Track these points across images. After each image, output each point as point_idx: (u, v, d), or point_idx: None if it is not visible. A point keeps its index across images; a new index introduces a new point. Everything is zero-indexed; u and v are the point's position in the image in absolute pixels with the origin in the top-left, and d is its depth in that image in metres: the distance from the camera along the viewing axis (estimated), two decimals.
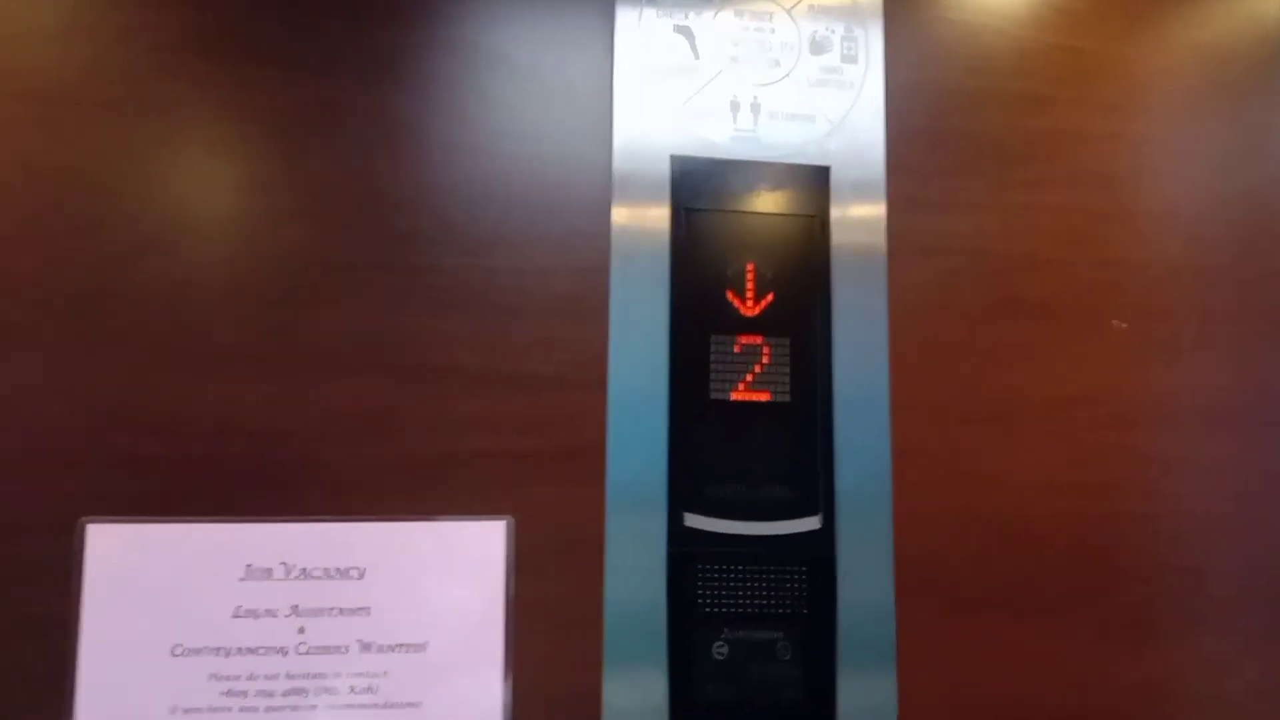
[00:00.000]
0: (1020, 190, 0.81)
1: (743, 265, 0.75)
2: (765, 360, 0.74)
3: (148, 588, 0.66)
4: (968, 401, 0.78)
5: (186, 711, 0.65)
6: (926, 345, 0.78)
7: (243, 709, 0.66)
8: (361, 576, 0.68)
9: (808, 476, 0.74)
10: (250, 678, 0.66)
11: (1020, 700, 0.75)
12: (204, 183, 0.72)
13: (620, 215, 0.75)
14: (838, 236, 0.77)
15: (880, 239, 0.78)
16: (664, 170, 0.76)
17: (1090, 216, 0.81)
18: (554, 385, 0.73)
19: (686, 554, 0.72)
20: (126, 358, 0.69)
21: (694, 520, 0.72)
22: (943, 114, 0.81)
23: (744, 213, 0.76)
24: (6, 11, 0.71)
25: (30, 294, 0.69)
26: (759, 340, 0.75)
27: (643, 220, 0.75)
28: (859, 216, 0.78)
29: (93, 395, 0.68)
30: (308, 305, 0.71)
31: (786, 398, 0.74)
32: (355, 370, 0.71)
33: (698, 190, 0.76)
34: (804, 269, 0.76)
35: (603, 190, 0.75)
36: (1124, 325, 0.80)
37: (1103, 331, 0.80)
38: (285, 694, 0.66)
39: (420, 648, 0.68)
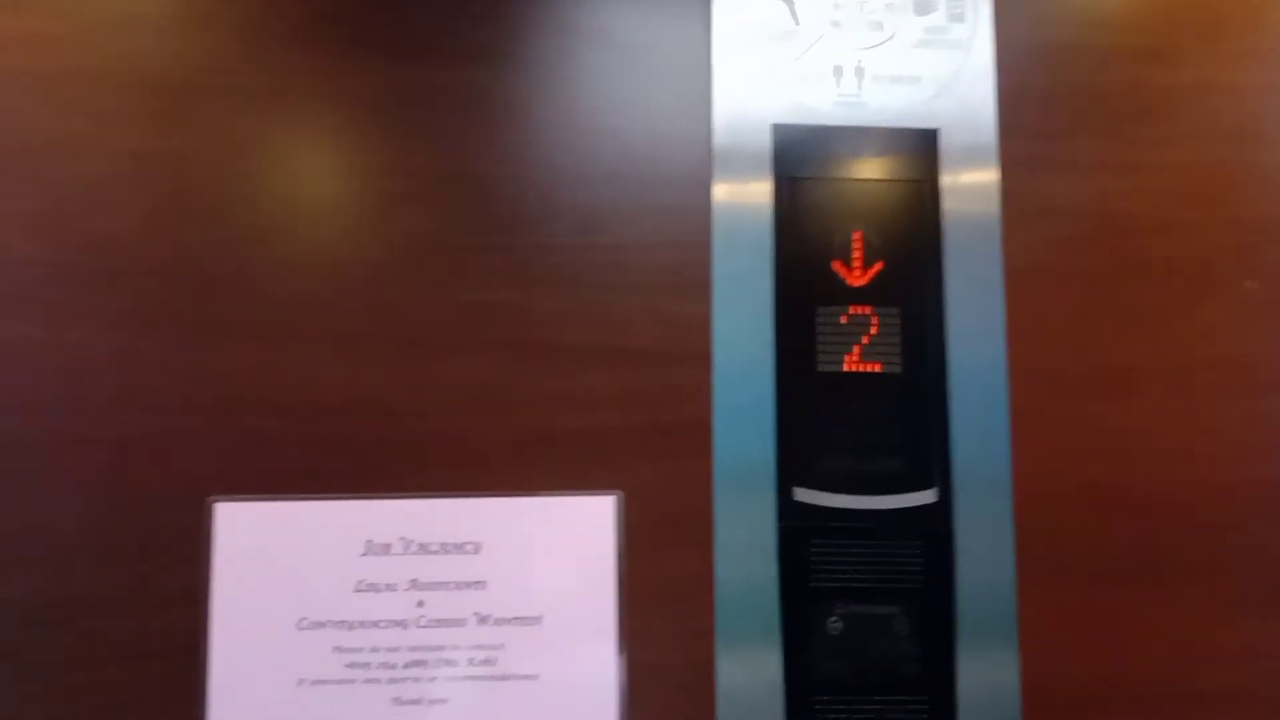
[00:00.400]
0: (1142, 148, 0.77)
1: (849, 234, 0.74)
2: (874, 331, 0.73)
3: (273, 563, 0.68)
4: (1089, 368, 0.75)
5: (313, 683, 0.67)
6: (1045, 311, 0.75)
7: (366, 680, 0.67)
8: (477, 551, 0.69)
9: (922, 449, 0.72)
10: (373, 650, 0.68)
11: (1146, 674, 0.72)
12: (315, 169, 0.74)
13: (722, 186, 0.74)
14: (948, 201, 0.75)
15: (993, 203, 0.75)
16: (765, 140, 0.74)
17: (1218, 173, 0.77)
18: (659, 360, 0.72)
19: (797, 529, 0.71)
20: (249, 341, 0.71)
21: (804, 495, 0.71)
22: (1056, 70, 0.78)
23: (849, 180, 0.74)
24: (119, 6, 0.73)
25: (156, 282, 0.71)
26: (868, 310, 0.73)
27: (745, 191, 0.74)
28: (970, 180, 0.75)
29: (219, 378, 0.71)
30: (418, 286, 0.72)
31: (898, 369, 0.73)
32: (466, 349, 0.72)
33: (801, 159, 0.74)
34: (913, 236, 0.74)
35: (704, 162, 0.74)
36: (1256, 286, 0.76)
37: (1233, 293, 0.76)
38: (406, 666, 0.68)
39: (535, 621, 0.69)
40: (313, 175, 0.74)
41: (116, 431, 0.70)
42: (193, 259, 0.72)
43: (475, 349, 0.72)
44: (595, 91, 0.75)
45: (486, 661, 0.68)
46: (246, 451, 0.70)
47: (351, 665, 0.67)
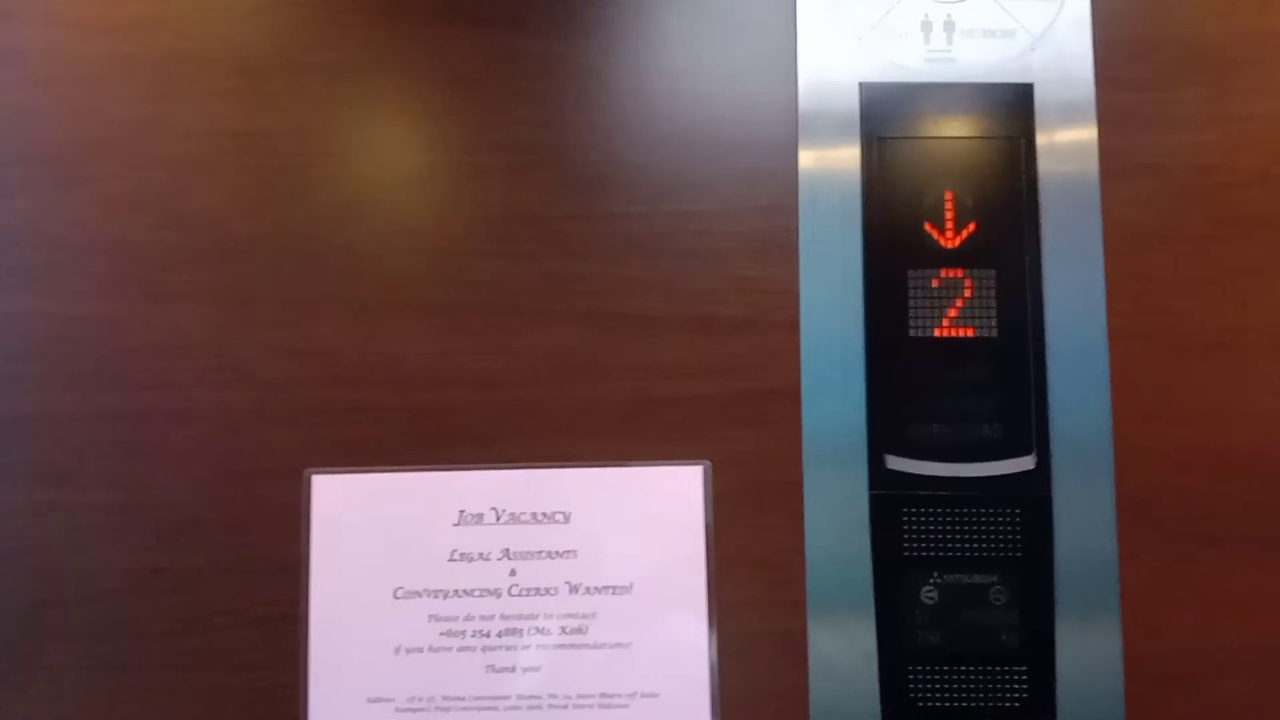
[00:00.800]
0: (1247, 98, 0.74)
1: (940, 194, 0.72)
2: (968, 294, 0.71)
3: (369, 533, 0.69)
4: (1192, 328, 0.72)
5: (409, 651, 0.68)
6: (1145, 270, 0.72)
7: (461, 648, 0.68)
8: (567, 520, 0.69)
9: (1019, 415, 0.70)
10: (467, 618, 0.68)
11: (1252, 642, 0.70)
12: (401, 143, 0.75)
13: (808, 148, 0.73)
14: (1044, 157, 0.72)
15: (1091, 158, 0.73)
16: (852, 100, 0.73)
17: None
18: (745, 328, 0.72)
19: (890, 497, 0.70)
20: (342, 315, 0.72)
21: (897, 463, 0.70)
22: (1155, 20, 0.75)
23: (940, 139, 0.72)
24: None
25: (250, 258, 0.73)
26: (960, 273, 0.71)
27: (832, 152, 0.73)
28: (1067, 135, 0.73)
29: (313, 352, 0.72)
30: (506, 256, 0.72)
31: (993, 333, 0.71)
32: (552, 320, 0.72)
33: (889, 118, 0.73)
34: (1008, 195, 0.72)
35: (789, 124, 0.73)
36: None
37: None
38: (500, 634, 0.68)
39: (626, 590, 0.69)
40: (399, 149, 0.75)
41: (214, 406, 0.71)
42: (285, 234, 0.73)
43: (561, 320, 0.72)
44: (677, 56, 0.74)
45: (578, 630, 0.69)
46: (341, 424, 0.71)
47: (447, 633, 0.68)
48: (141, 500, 0.71)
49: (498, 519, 0.69)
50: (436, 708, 0.68)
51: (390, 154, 0.75)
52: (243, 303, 0.72)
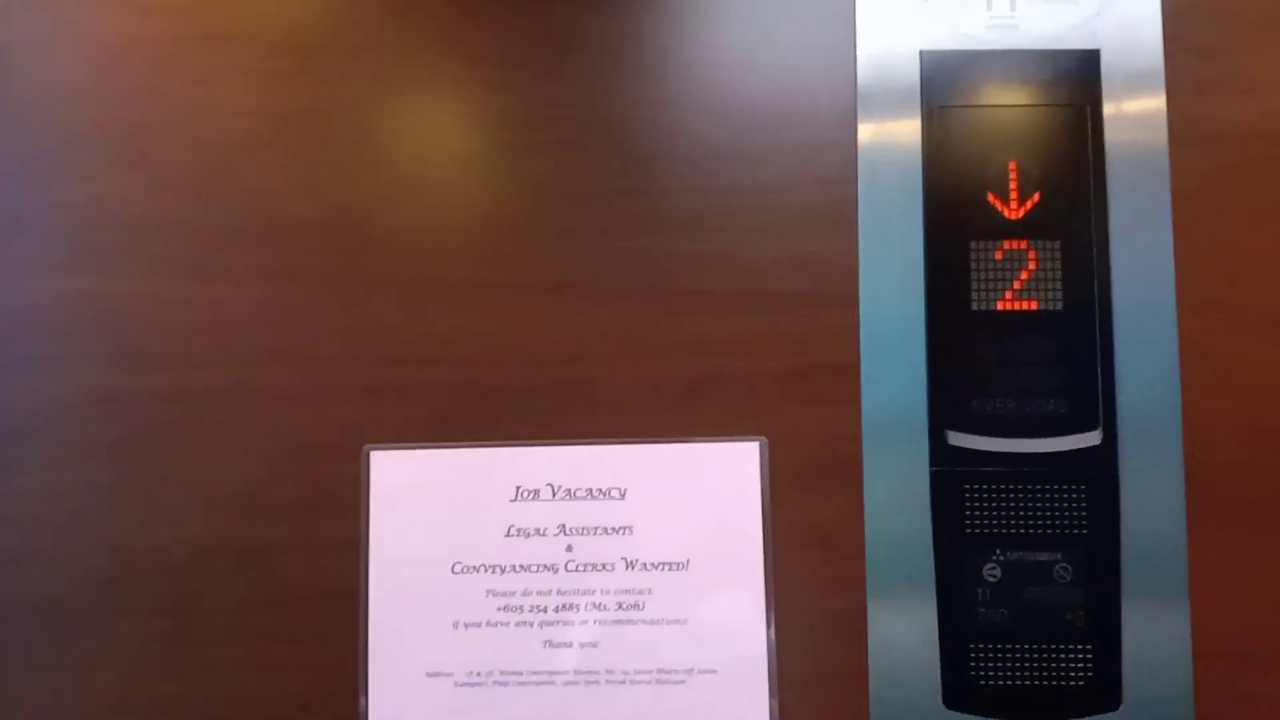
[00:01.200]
0: None
1: (1004, 164, 0.70)
2: (1032, 266, 0.69)
3: (427, 509, 0.69)
4: (1264, 301, 0.70)
5: (468, 626, 0.68)
6: (1216, 241, 0.70)
7: (518, 623, 0.68)
8: (623, 496, 0.69)
9: (1085, 389, 0.68)
10: (524, 594, 0.68)
11: None
12: (453, 121, 0.74)
13: (867, 118, 0.71)
14: (1110, 125, 0.70)
15: (1159, 126, 0.70)
16: (913, 68, 0.71)
17: None
18: (804, 302, 0.70)
19: (951, 473, 0.68)
20: (398, 292, 0.72)
21: (959, 439, 0.69)
22: None
23: (1003, 107, 0.71)
24: None
25: (305, 237, 0.73)
26: (1024, 245, 0.69)
27: (892, 122, 0.71)
28: (1134, 103, 0.70)
29: (370, 329, 0.72)
30: (559, 234, 0.72)
31: (1058, 305, 0.69)
32: (608, 296, 0.71)
33: (951, 86, 0.71)
34: (1073, 164, 0.70)
35: (848, 95, 0.72)
36: None
37: None
38: (557, 609, 0.68)
39: (682, 566, 0.69)
40: (453, 128, 0.75)
41: (272, 385, 0.72)
42: (339, 213, 0.73)
43: (617, 296, 0.71)
44: (734, 29, 0.73)
45: (635, 606, 0.68)
46: (399, 400, 0.71)
47: (505, 609, 0.68)
48: (203, 479, 0.71)
49: (554, 495, 0.69)
50: (494, 682, 0.68)
51: (445, 132, 0.74)
52: (299, 282, 0.72)
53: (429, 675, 0.68)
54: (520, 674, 0.68)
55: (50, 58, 0.75)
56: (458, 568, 0.69)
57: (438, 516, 0.69)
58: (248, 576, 0.71)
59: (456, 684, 0.68)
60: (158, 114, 0.74)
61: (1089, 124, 0.70)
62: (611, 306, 0.71)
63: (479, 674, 0.68)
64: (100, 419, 0.72)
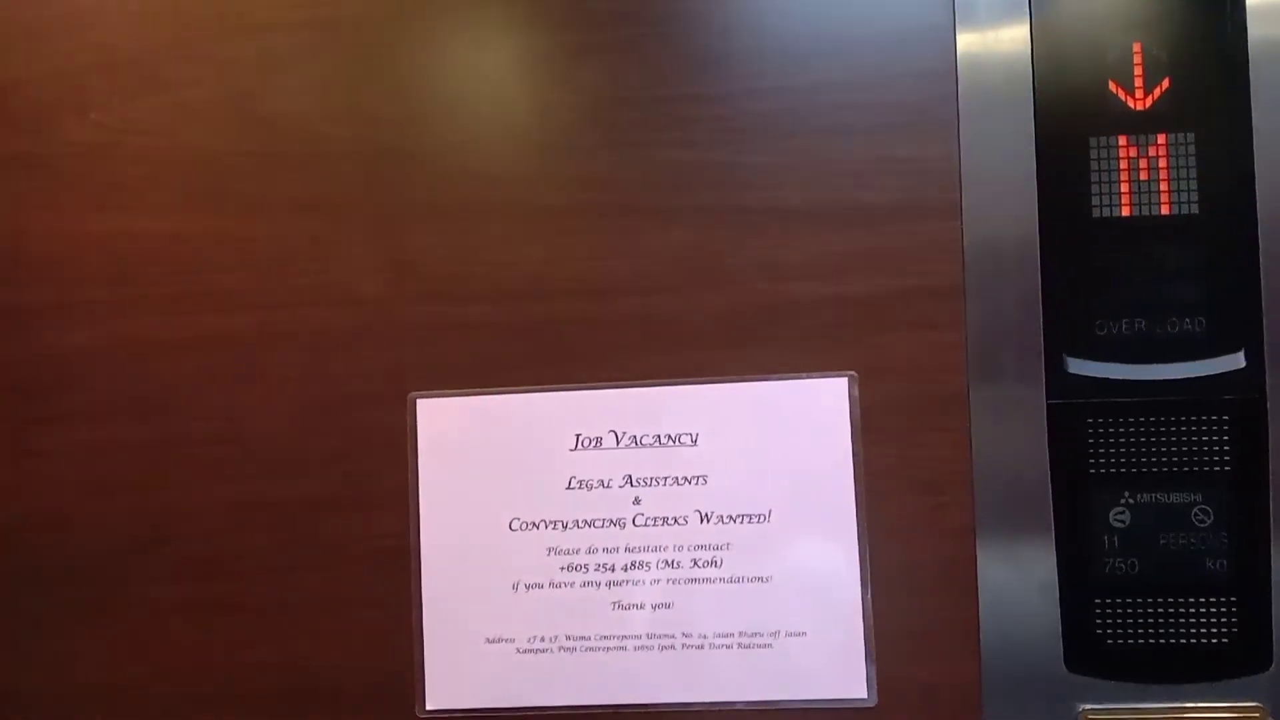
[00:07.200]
0: None
1: (1127, 46, 0.62)
2: (1162, 165, 0.62)
3: (480, 460, 0.65)
4: None
5: (529, 588, 0.64)
6: None
7: (584, 584, 0.64)
8: (695, 443, 0.63)
9: (1226, 306, 0.61)
10: (589, 551, 0.64)
11: None
12: (498, 21, 0.67)
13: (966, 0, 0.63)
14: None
15: None
16: None
17: None
18: (896, 215, 0.63)
19: (1072, 406, 0.62)
20: (441, 221, 0.66)
21: (1079, 366, 0.61)
22: None
23: None
24: None
25: (341, 164, 0.67)
26: (1153, 139, 0.61)
27: (995, 6, 0.63)
28: None
29: (413, 264, 0.67)
30: (618, 147, 0.65)
31: (1193, 209, 0.61)
32: (671, 216, 0.65)
33: None
34: (1208, 45, 0.62)
35: None
36: None
37: None
38: (625, 568, 0.63)
39: (763, 518, 0.63)
40: (494, 30, 0.68)
41: (310, 327, 0.67)
42: (377, 136, 0.67)
43: (682, 215, 0.65)
44: None
45: (711, 563, 0.63)
46: (446, 342, 0.66)
47: (568, 568, 0.64)
48: (241, 432, 0.67)
49: (618, 442, 0.64)
50: (560, 648, 0.64)
51: (486, 36, 0.67)
52: (335, 213, 0.67)
53: (489, 641, 0.64)
54: (587, 639, 0.64)
55: None
56: (516, 524, 0.64)
57: (492, 469, 0.65)
58: (290, 536, 0.67)
59: (519, 650, 0.64)
60: (175, 33, 0.69)
61: None
62: (677, 228, 0.65)
63: (543, 639, 0.64)
64: (132, 369, 0.68)
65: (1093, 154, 0.62)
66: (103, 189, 0.69)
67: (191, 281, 0.68)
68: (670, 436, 0.64)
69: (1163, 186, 0.61)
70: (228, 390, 0.67)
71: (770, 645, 0.62)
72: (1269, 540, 0.60)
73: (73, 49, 0.69)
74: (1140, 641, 0.61)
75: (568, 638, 0.63)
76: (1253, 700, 0.60)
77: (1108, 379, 0.61)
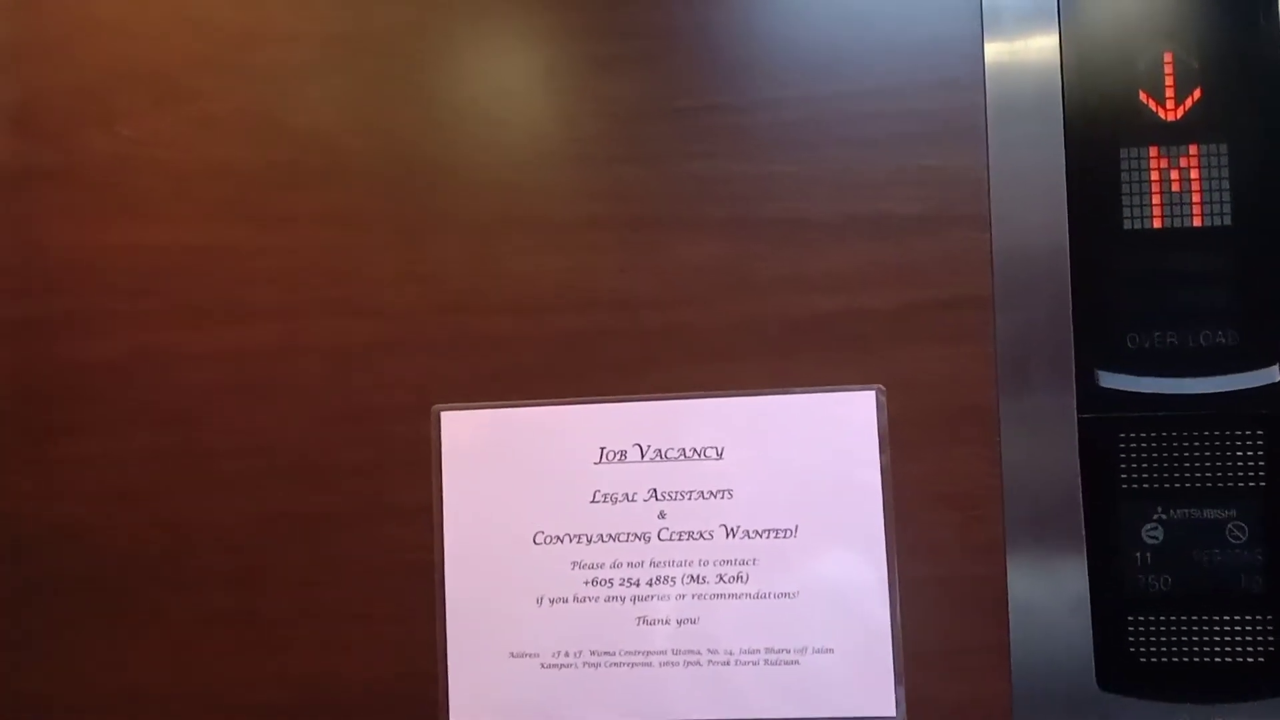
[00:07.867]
0: None
1: (1158, 56, 0.61)
2: (1194, 176, 0.60)
3: (504, 473, 0.64)
4: None
5: (553, 602, 0.63)
6: None
7: (608, 598, 0.63)
8: (721, 456, 0.63)
9: (1260, 318, 0.60)
10: (614, 565, 0.63)
11: None
12: (521, 33, 0.67)
13: (994, 8, 0.62)
14: None
15: None
16: None
17: None
18: (924, 226, 0.62)
19: (1104, 421, 0.60)
20: (465, 233, 0.66)
21: (1111, 379, 0.60)
22: None
23: None
24: None
25: (363, 176, 0.67)
26: (1185, 150, 0.60)
27: (1025, 13, 0.62)
28: None
29: (436, 276, 0.66)
30: (639, 159, 0.65)
31: (1226, 221, 0.60)
32: (696, 229, 0.64)
33: None
34: (1240, 53, 0.61)
35: None
36: None
37: None
38: (650, 582, 0.63)
39: (790, 533, 0.62)
40: (517, 41, 0.67)
41: (333, 339, 0.67)
42: (400, 148, 0.67)
43: (706, 228, 0.64)
44: None
45: (738, 578, 0.62)
46: (470, 354, 0.66)
47: (592, 582, 0.63)
48: (263, 443, 0.67)
49: (643, 456, 0.63)
50: (585, 663, 0.63)
51: (509, 48, 0.67)
52: (358, 225, 0.67)
53: (513, 656, 0.63)
54: (612, 654, 0.63)
55: None
56: (540, 538, 0.63)
57: (516, 482, 0.64)
58: (312, 548, 0.66)
59: (543, 665, 0.63)
60: (198, 46, 0.69)
61: (1259, 5, 0.61)
62: (700, 240, 0.64)
63: (567, 654, 0.63)
64: (155, 380, 0.68)
65: (1123, 165, 0.61)
66: (126, 201, 0.69)
67: (214, 293, 0.68)
68: (696, 450, 0.63)
69: (1195, 198, 0.60)
70: (250, 402, 0.67)
71: (797, 662, 0.61)
72: None
73: (97, 62, 0.69)
74: (1174, 660, 0.60)
75: (592, 653, 0.62)
76: None
77: (1140, 393, 0.60)
